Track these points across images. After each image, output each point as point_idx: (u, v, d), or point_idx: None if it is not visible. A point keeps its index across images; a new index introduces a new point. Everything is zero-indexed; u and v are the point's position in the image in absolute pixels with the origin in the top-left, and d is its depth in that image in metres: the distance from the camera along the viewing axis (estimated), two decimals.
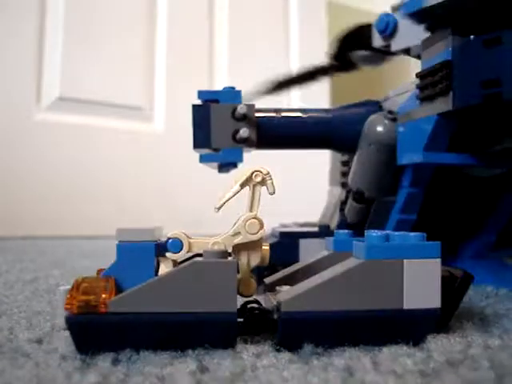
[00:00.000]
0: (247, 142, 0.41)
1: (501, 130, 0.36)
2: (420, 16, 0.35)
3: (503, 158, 0.37)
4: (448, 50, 0.34)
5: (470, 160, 0.37)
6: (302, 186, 1.27)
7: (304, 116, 0.44)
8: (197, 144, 0.42)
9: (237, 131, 0.41)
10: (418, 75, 0.37)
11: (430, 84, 0.35)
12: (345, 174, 0.51)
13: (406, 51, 0.42)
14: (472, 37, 0.32)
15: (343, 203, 0.45)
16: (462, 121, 0.36)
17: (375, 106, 0.45)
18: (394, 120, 0.39)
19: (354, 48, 0.48)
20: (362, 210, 0.43)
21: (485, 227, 0.45)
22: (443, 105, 0.34)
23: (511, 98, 0.31)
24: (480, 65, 0.32)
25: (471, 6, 0.32)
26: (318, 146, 0.45)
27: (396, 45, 0.42)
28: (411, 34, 0.40)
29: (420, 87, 0.37)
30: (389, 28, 0.42)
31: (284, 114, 0.44)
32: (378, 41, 0.44)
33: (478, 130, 0.37)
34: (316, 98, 1.33)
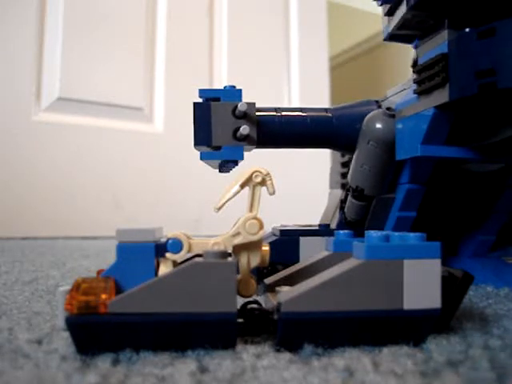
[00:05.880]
0: (247, 140, 0.42)
1: (497, 121, 0.36)
2: (393, 39, 0.40)
3: (501, 151, 0.38)
4: (444, 43, 0.34)
5: (468, 153, 0.37)
6: (302, 187, 1.27)
7: (304, 115, 0.44)
8: (198, 142, 0.42)
9: (237, 129, 0.41)
10: (414, 70, 0.38)
11: (427, 78, 0.36)
12: (344, 175, 0.51)
13: None
14: (467, 29, 0.33)
15: (343, 202, 0.45)
16: (459, 113, 0.36)
17: (375, 106, 0.45)
18: (392, 116, 0.40)
19: None
20: (361, 208, 0.43)
21: (484, 224, 0.45)
22: (440, 97, 0.35)
23: (506, 86, 0.31)
24: (475, 56, 0.33)
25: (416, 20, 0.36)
26: (318, 144, 0.45)
27: None
28: None
29: (417, 81, 0.37)
30: None
31: (284, 113, 0.44)
32: None
33: (475, 123, 0.37)
34: (316, 98, 1.33)
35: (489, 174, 0.43)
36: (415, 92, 0.37)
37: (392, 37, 0.40)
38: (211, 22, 1.33)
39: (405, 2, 0.35)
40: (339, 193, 0.52)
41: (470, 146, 0.37)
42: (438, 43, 0.35)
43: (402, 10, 0.36)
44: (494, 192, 0.44)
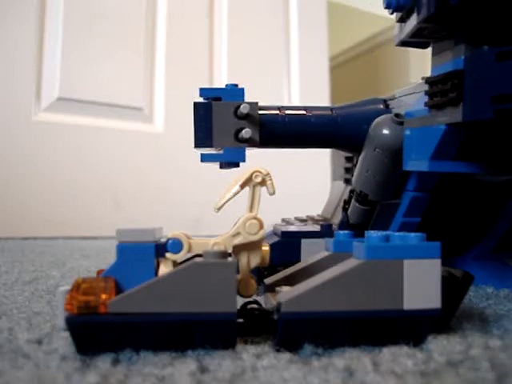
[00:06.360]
0: (250, 142, 0.41)
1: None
2: (405, 45, 0.39)
3: (510, 167, 0.37)
4: (460, 58, 0.33)
5: (477, 169, 0.36)
6: (302, 188, 1.27)
7: (308, 114, 0.43)
8: (198, 143, 0.41)
9: (239, 130, 0.40)
10: (427, 81, 0.36)
11: (440, 92, 0.34)
12: (348, 170, 0.51)
13: None
14: (486, 47, 0.31)
15: (346, 203, 0.45)
16: (471, 131, 0.35)
17: (381, 104, 0.44)
18: (400, 124, 0.39)
19: None
20: (365, 212, 0.42)
21: (489, 232, 0.45)
22: (453, 115, 0.33)
23: None
24: (492, 78, 0.31)
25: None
26: (323, 145, 0.45)
27: None
28: None
29: (429, 94, 0.36)
30: None
31: (288, 111, 0.43)
32: None
33: (488, 141, 0.36)
34: (316, 97, 1.33)
35: (496, 183, 0.42)
36: (426, 105, 0.36)
37: (404, 43, 0.38)
38: (211, 22, 1.33)
39: (416, 12, 0.34)
40: (342, 185, 0.52)
41: (481, 162, 0.36)
42: (453, 57, 0.34)
43: (414, 18, 0.34)
44: (501, 199, 0.43)
